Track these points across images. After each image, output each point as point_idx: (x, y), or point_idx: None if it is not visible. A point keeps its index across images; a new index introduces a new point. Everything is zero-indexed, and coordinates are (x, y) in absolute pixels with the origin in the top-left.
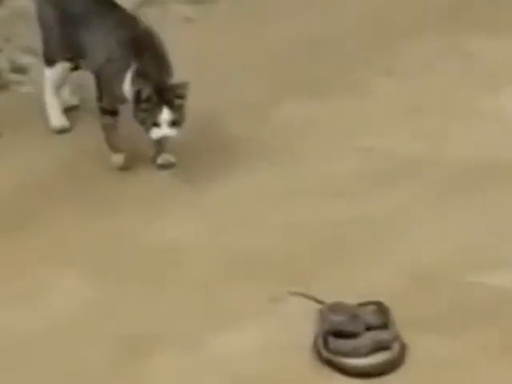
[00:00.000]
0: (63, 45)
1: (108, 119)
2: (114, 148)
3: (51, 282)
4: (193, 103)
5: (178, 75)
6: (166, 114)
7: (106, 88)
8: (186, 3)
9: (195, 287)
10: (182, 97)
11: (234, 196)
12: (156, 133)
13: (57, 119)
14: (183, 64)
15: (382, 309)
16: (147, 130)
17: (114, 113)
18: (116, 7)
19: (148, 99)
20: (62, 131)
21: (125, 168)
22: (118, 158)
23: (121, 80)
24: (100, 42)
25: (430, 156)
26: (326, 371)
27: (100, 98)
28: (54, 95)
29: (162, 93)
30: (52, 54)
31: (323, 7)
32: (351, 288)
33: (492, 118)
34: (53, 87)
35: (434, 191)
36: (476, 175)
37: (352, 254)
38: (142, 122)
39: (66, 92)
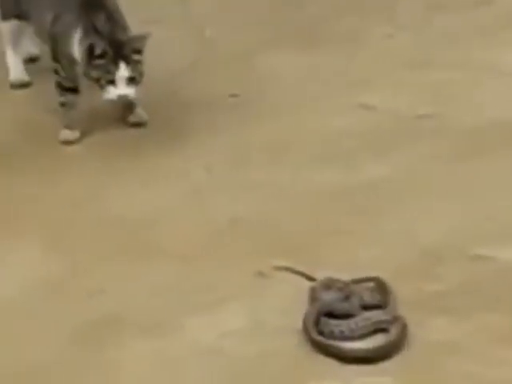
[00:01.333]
0: (13, 3)
1: (67, 97)
2: (67, 125)
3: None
4: (171, 56)
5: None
6: (123, 71)
7: (59, 52)
8: None
9: (171, 261)
10: (139, 51)
11: (217, 159)
12: (112, 92)
13: (15, 73)
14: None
15: (380, 286)
16: (102, 89)
17: (74, 90)
18: None
19: (102, 55)
20: (20, 85)
21: (73, 143)
22: (67, 135)
23: (69, 38)
24: (46, 0)
25: (436, 116)
26: (318, 356)
27: (57, 71)
28: (12, 48)
29: (117, 47)
30: (5, 8)
31: None
32: (348, 263)
33: (501, 74)
34: (10, 40)
35: (440, 155)
36: (486, 137)
37: (350, 225)
38: (96, 81)
39: (26, 42)
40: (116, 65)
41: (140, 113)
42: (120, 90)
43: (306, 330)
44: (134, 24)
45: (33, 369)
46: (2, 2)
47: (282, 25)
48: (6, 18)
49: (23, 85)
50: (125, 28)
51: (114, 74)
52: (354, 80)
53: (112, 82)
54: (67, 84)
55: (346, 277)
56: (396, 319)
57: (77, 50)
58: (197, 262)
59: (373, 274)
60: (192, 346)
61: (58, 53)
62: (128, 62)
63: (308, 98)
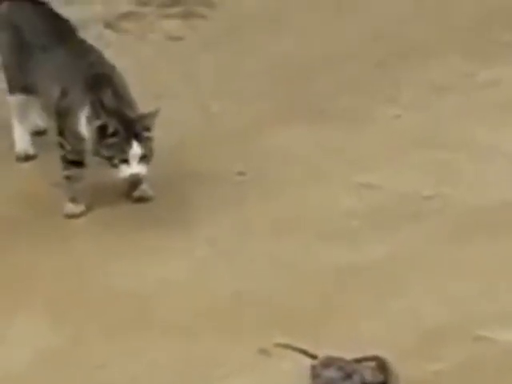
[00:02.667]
0: (19, 77)
1: (72, 171)
2: (72, 199)
3: (2, 327)
4: (177, 132)
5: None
6: (135, 149)
7: (66, 128)
8: (172, 17)
9: (174, 336)
10: (149, 129)
11: (221, 234)
12: (125, 170)
13: (21, 145)
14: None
15: (381, 365)
16: (114, 167)
17: (79, 164)
18: (70, 36)
19: (114, 133)
20: (25, 158)
21: (78, 216)
22: (71, 209)
23: (76, 114)
24: (52, 75)
25: (436, 196)
26: None
27: (62, 145)
28: (19, 121)
29: (128, 125)
30: (12, 82)
31: (322, 27)
32: (350, 341)
33: (505, 156)
34: (18, 113)
35: (441, 235)
36: (490, 217)
37: (351, 304)
38: (108, 160)
39: (34, 115)
40: (128, 143)
41: (145, 188)
42: (133, 168)
43: None
44: (140, 99)
45: None
46: (9, 76)
47: (287, 100)
48: (13, 91)
49: (28, 157)
50: (131, 104)
51: (127, 152)
52: (360, 158)
53: (125, 161)
54: (72, 158)
55: (348, 355)
56: None
57: (84, 126)
58: (199, 337)
59: (375, 352)
60: None
61: (65, 128)
62: (140, 140)
63: (313, 175)
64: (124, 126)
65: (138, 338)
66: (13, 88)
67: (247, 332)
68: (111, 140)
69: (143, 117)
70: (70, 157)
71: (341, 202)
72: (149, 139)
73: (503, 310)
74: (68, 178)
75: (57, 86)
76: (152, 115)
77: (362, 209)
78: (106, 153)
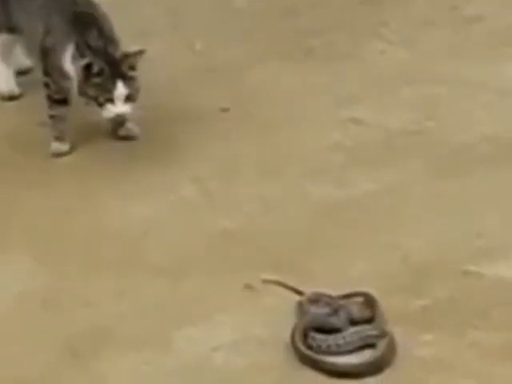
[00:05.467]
0: (3, 16)
1: (57, 110)
2: (57, 137)
3: None
4: (161, 69)
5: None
6: (120, 89)
7: (51, 66)
8: None
9: (160, 275)
10: (134, 68)
11: (207, 172)
12: (110, 110)
13: (5, 85)
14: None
15: (368, 301)
16: (99, 107)
17: (63, 102)
18: None
19: (99, 73)
20: (10, 98)
21: (64, 155)
22: (57, 147)
23: (61, 52)
24: (36, 13)
25: (426, 131)
26: (306, 370)
27: (47, 84)
28: (3, 60)
29: (113, 65)
30: None
31: None
32: (337, 277)
33: (493, 89)
34: (2, 52)
35: (428, 170)
36: (476, 152)
37: (339, 240)
38: (93, 99)
39: (18, 54)
40: (113, 83)
41: (130, 127)
42: (118, 108)
43: (294, 343)
44: (123, 37)
45: (22, 380)
46: None
47: (272, 38)
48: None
49: (13, 97)
50: (116, 43)
51: (112, 92)
52: (345, 95)
53: (110, 100)
54: (57, 96)
55: (334, 291)
56: (384, 334)
57: (69, 64)
58: (186, 274)
59: (361, 288)
60: (181, 360)
61: (49, 66)
62: (125, 79)
63: (299, 112)
64: (109, 66)
65: (122, 277)
66: None
67: (233, 270)
68: (96, 79)
69: (128, 56)
70: (56, 96)
71: (327, 138)
72: (134, 78)
73: (490, 245)
74: (53, 116)
75: (41, 25)
76: (137, 54)
77: (348, 145)
78: (91, 92)
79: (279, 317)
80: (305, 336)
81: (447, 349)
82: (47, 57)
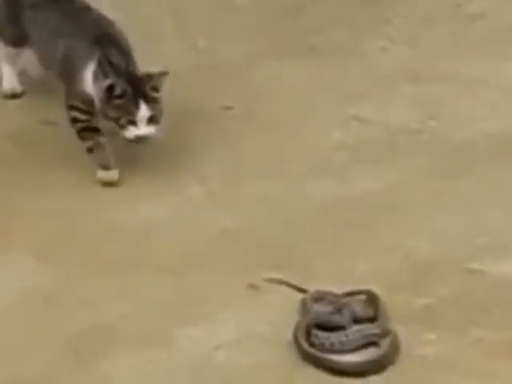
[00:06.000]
0: (9, 28)
1: (93, 141)
2: (103, 166)
3: None
4: (163, 68)
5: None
6: (143, 111)
7: (74, 93)
8: None
9: (163, 273)
10: (157, 89)
11: (211, 171)
12: (133, 132)
13: (8, 83)
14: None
15: (371, 299)
16: (121, 128)
17: (96, 130)
18: None
19: (122, 94)
20: (12, 96)
21: (113, 184)
22: (106, 175)
23: (82, 72)
24: (53, 31)
25: (429, 129)
26: (309, 368)
27: (75, 119)
28: (7, 62)
29: (136, 85)
30: (2, 34)
31: None
32: (340, 275)
33: (496, 87)
34: (6, 56)
35: (430, 168)
36: (479, 150)
37: (341, 237)
38: (115, 121)
39: (25, 60)
40: (136, 104)
41: None
42: (141, 130)
43: (296, 341)
44: (126, 33)
45: (23, 380)
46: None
47: (275, 36)
48: (3, 42)
49: (15, 95)
50: (135, 62)
51: (134, 114)
52: (348, 93)
53: (132, 123)
54: (88, 125)
55: (337, 289)
56: (387, 333)
57: (91, 84)
58: (188, 273)
59: (364, 286)
60: (183, 358)
61: (73, 95)
62: (148, 100)
63: (302, 111)
64: (132, 87)
65: (125, 276)
66: (3, 39)
67: (236, 268)
68: (118, 101)
69: (151, 77)
70: (86, 125)
71: (329, 136)
72: (157, 100)
73: (493, 243)
74: (91, 149)
75: (58, 43)
76: (161, 75)
77: (351, 142)
78: (112, 114)
79: (282, 315)
80: (308, 333)
81: (450, 347)
82: (70, 82)
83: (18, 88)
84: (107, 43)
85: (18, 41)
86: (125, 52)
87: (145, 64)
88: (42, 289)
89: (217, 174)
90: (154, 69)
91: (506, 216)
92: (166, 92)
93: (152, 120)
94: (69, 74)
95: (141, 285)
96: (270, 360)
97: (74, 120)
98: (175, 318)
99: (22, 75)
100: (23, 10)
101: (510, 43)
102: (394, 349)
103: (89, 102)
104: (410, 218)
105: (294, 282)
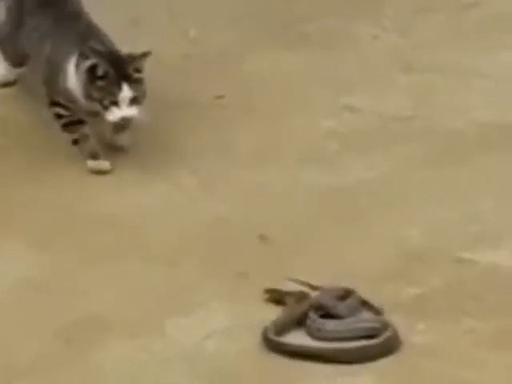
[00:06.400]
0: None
1: (78, 132)
2: (92, 156)
3: None
4: (154, 57)
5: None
6: (126, 92)
7: (56, 90)
8: None
9: (155, 262)
10: (140, 70)
11: (200, 159)
12: (116, 113)
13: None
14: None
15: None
16: (104, 110)
17: (80, 122)
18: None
19: (105, 75)
20: (4, 84)
21: (104, 172)
22: (95, 164)
23: (65, 70)
24: (38, 42)
25: (420, 118)
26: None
27: (58, 114)
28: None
29: (119, 67)
30: (5, 51)
31: None
32: (329, 264)
33: (488, 76)
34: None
35: (421, 157)
36: (470, 139)
37: (333, 226)
38: (98, 102)
39: None
40: (119, 85)
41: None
42: (123, 111)
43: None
44: (116, 24)
45: (15, 368)
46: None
47: (267, 24)
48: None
49: (8, 83)
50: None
51: (116, 95)
52: (340, 81)
53: (115, 103)
54: (71, 119)
55: (327, 279)
56: (386, 326)
57: (73, 76)
58: (180, 263)
59: (356, 276)
60: (175, 347)
61: (55, 90)
62: (130, 81)
63: (293, 99)
64: (114, 68)
65: (118, 264)
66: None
67: (228, 257)
68: (101, 82)
69: (134, 57)
70: (70, 119)
71: (321, 125)
72: (140, 81)
73: (484, 232)
74: (77, 140)
75: (46, 47)
76: (143, 56)
77: (343, 131)
78: (95, 95)
79: (272, 304)
80: (305, 317)
81: (441, 336)
82: (52, 79)
83: (11, 76)
84: (89, 37)
85: (19, 61)
86: (106, 39)
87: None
88: (34, 278)
89: (209, 163)
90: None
91: (498, 205)
92: (157, 80)
93: (134, 101)
94: (52, 73)
95: (133, 274)
96: (261, 349)
97: (58, 116)
98: (167, 308)
99: None
100: (23, 27)
101: (503, 32)
102: (392, 341)
103: (71, 99)
104: (401, 207)
105: (284, 272)
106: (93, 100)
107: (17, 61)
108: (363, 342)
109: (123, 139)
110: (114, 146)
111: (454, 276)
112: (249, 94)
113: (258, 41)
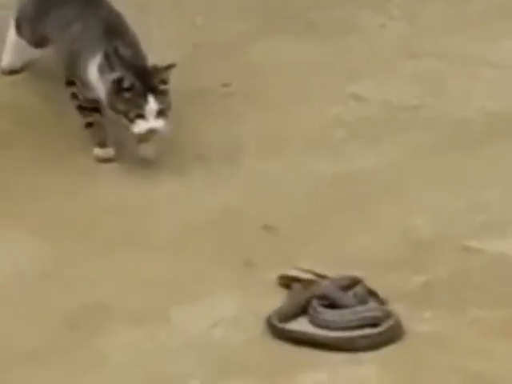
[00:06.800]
0: (31, 29)
1: (92, 117)
2: (99, 144)
3: None
4: (161, 45)
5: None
6: (152, 104)
7: (76, 74)
8: None
9: (161, 251)
10: (165, 81)
11: (207, 148)
12: (141, 126)
13: (7, 59)
14: None
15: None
16: (129, 122)
17: (95, 109)
18: None
19: (131, 88)
20: (10, 72)
21: (109, 161)
22: (101, 153)
23: (88, 63)
24: (65, 26)
25: (427, 106)
26: (305, 345)
27: (74, 95)
28: (15, 37)
29: (145, 79)
30: (20, 28)
31: None
32: (336, 252)
33: (493, 64)
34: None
35: (431, 146)
36: (477, 128)
37: (340, 214)
38: (123, 115)
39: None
40: (145, 98)
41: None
42: (150, 123)
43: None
44: (123, 12)
45: (20, 355)
46: (18, 18)
47: (273, 13)
48: (19, 32)
49: (14, 71)
50: (143, 54)
51: (143, 107)
52: (346, 70)
53: (141, 116)
54: (87, 105)
55: (334, 267)
56: (388, 316)
57: (95, 74)
58: (186, 251)
59: (362, 264)
60: (180, 336)
61: (74, 76)
62: (156, 93)
63: (300, 88)
64: (140, 79)
65: (123, 252)
66: (19, 31)
67: (234, 246)
68: (127, 94)
69: (159, 69)
70: (86, 104)
71: (328, 114)
72: (165, 93)
73: (491, 221)
74: (89, 124)
75: (70, 32)
76: (169, 68)
77: (349, 120)
78: (120, 107)
79: (278, 292)
80: (308, 304)
81: (447, 325)
82: (73, 65)
83: (18, 64)
84: (115, 35)
85: (36, 42)
86: (132, 44)
87: (143, 43)
88: (38, 265)
89: (215, 151)
90: (153, 47)
91: (505, 194)
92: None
93: (160, 113)
94: (73, 62)
95: (139, 263)
96: (267, 337)
97: (73, 96)
98: (173, 296)
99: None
100: (49, 12)
101: (508, 20)
102: (394, 330)
103: (89, 87)
104: (408, 196)
105: (290, 260)
106: (117, 112)
107: (34, 41)
108: (366, 331)
109: (149, 151)
110: (139, 158)
111: (461, 265)
112: (255, 83)
113: (265, 29)
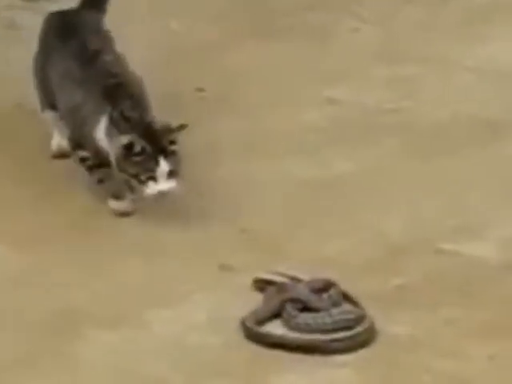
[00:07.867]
0: (44, 93)
1: (102, 172)
2: (114, 196)
3: None
4: (136, 49)
5: None
6: (163, 166)
7: (83, 137)
8: None
9: (136, 255)
10: (175, 142)
11: (184, 153)
12: (152, 188)
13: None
14: None
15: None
16: (141, 184)
17: (105, 164)
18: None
19: (141, 152)
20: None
21: (126, 215)
22: (116, 205)
23: (94, 125)
24: (66, 83)
25: (402, 110)
26: (280, 350)
27: (83, 159)
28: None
29: (154, 141)
30: (40, 100)
31: None
32: (312, 255)
33: (469, 68)
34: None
35: (407, 150)
36: (452, 132)
37: (315, 218)
38: (134, 177)
39: None
40: (156, 161)
41: None
42: (161, 185)
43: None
44: None
45: None
46: (38, 94)
47: (248, 18)
48: (42, 109)
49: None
50: (149, 109)
51: (154, 170)
52: (321, 74)
53: (152, 178)
54: (96, 161)
55: (309, 271)
56: (362, 318)
57: (102, 136)
58: (161, 255)
59: (338, 267)
60: (156, 339)
61: (82, 139)
62: (167, 155)
63: (276, 92)
64: (150, 142)
65: (98, 256)
66: (42, 106)
67: (210, 250)
68: (137, 158)
69: (170, 130)
70: (95, 161)
71: (303, 118)
72: (175, 153)
73: (466, 224)
74: (101, 180)
75: (75, 96)
76: (179, 129)
77: (325, 124)
78: (131, 170)
79: (254, 296)
80: (282, 308)
81: (422, 327)
82: (79, 129)
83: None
84: (119, 95)
85: (53, 103)
86: (139, 102)
87: (117, 46)
88: (12, 271)
89: (190, 156)
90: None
91: (480, 197)
92: (138, 72)
93: (172, 174)
94: (80, 127)
95: (114, 267)
96: (242, 341)
97: (83, 159)
98: (149, 300)
99: None
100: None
101: (483, 24)
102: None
103: (98, 148)
104: (384, 199)
105: (268, 263)
106: (128, 175)
107: (50, 103)
108: (340, 334)
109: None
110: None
111: (435, 267)
112: (230, 87)
113: (240, 34)
